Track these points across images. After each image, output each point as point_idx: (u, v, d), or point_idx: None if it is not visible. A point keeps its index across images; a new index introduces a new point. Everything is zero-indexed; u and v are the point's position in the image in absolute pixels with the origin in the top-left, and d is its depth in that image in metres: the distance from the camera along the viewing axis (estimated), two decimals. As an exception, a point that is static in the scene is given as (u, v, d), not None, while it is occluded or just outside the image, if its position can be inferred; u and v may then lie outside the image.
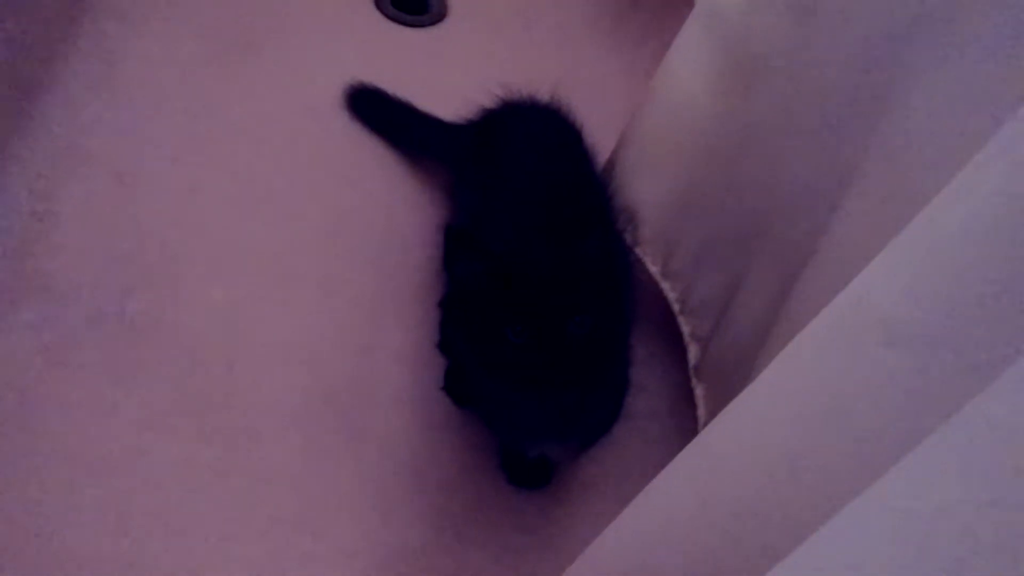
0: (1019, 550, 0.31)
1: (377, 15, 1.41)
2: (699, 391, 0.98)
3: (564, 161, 0.95)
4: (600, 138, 1.20)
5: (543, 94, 1.04)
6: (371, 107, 1.25)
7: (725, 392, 0.94)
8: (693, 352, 1.00)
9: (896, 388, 0.43)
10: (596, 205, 0.92)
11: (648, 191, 1.02)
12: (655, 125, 1.02)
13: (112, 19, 1.26)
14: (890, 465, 0.39)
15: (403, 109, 1.21)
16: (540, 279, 0.72)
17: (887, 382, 0.43)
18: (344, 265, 1.12)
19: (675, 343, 1.04)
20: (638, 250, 1.04)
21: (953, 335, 0.40)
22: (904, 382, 0.42)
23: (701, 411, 0.97)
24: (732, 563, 0.54)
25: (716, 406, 0.95)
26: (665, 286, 1.03)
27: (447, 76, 1.31)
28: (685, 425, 1.01)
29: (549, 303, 0.71)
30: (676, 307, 1.02)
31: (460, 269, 0.75)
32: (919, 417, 0.41)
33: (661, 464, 0.66)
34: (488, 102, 1.07)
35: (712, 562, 0.56)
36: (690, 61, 0.97)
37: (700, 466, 0.58)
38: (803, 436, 0.48)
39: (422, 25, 1.42)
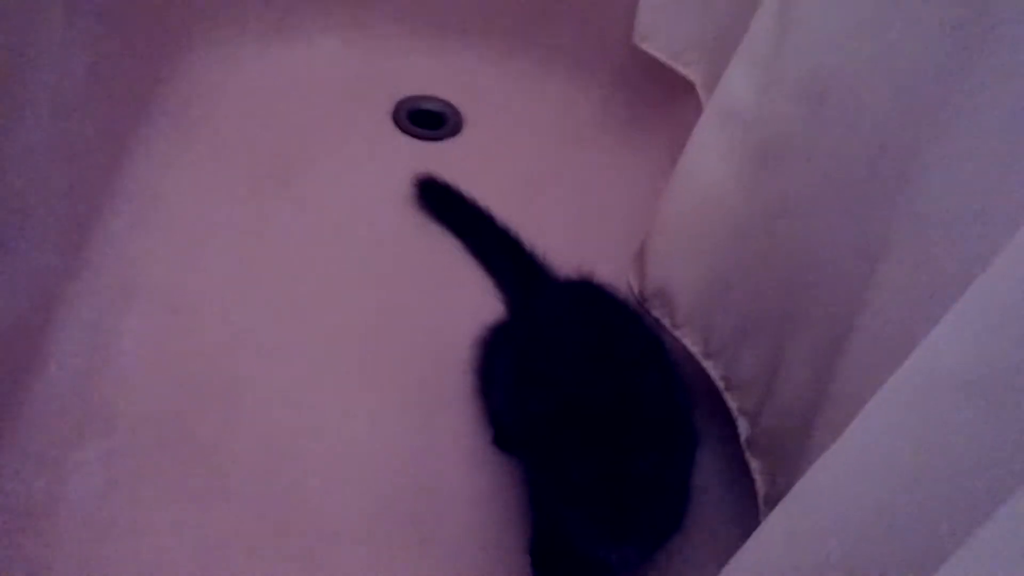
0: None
1: (396, 132, 1.49)
2: (754, 465, 1.00)
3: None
4: (624, 230, 1.27)
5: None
6: (442, 202, 1.33)
7: (781, 463, 0.96)
8: (743, 426, 1.03)
9: (976, 444, 0.46)
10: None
11: (681, 276, 1.07)
12: (681, 214, 1.07)
13: (152, 160, 1.33)
14: (980, 520, 0.42)
15: (478, 215, 1.29)
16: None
17: (967, 439, 0.46)
18: (395, 373, 1.16)
19: (725, 421, 1.07)
20: (677, 333, 1.08)
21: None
22: (983, 438, 0.46)
23: (759, 484, 0.99)
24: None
25: (773, 478, 0.98)
26: (708, 365, 1.06)
27: (468, 185, 1.37)
28: (744, 501, 1.03)
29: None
30: (721, 384, 1.05)
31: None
32: (1003, 470, 0.44)
33: (724, 543, 0.69)
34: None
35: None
36: (708, 155, 1.03)
37: (788, 531, 0.61)
38: (890, 498, 0.51)
39: (440, 139, 1.49)
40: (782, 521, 0.62)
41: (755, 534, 0.65)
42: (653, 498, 0.84)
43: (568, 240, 1.23)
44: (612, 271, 1.10)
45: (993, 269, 0.48)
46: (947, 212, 0.72)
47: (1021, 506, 0.40)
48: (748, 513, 1.01)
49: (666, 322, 1.09)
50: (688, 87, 1.33)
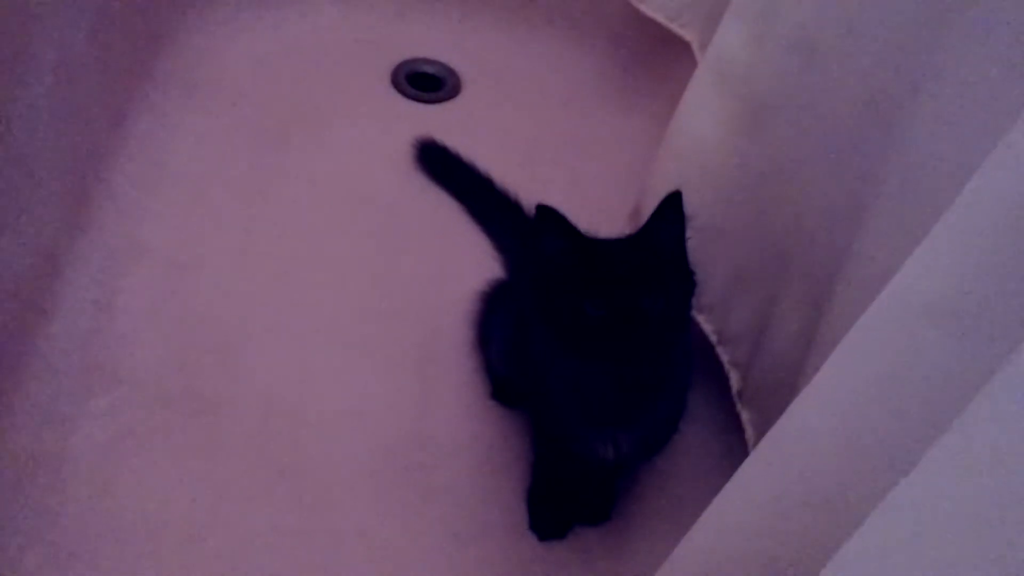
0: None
1: (396, 95, 1.50)
2: (745, 415, 1.03)
3: None
4: (620, 190, 1.28)
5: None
6: (442, 165, 1.34)
7: (771, 414, 0.98)
8: (735, 379, 1.05)
9: (943, 363, 0.48)
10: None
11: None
12: (674, 170, 1.09)
13: (154, 120, 1.35)
14: (938, 436, 0.44)
15: (477, 177, 1.30)
16: (619, 259, 0.81)
17: (935, 360, 0.49)
18: (394, 330, 1.19)
19: (717, 373, 1.09)
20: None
21: (991, 311, 0.46)
22: (950, 357, 0.48)
23: (749, 434, 1.01)
24: (805, 550, 0.58)
25: (763, 428, 1.00)
26: (701, 319, 1.08)
27: (466, 147, 1.38)
28: (735, 450, 1.05)
29: (627, 281, 0.79)
30: (713, 338, 1.07)
31: (547, 244, 0.83)
32: (965, 386, 0.46)
33: (716, 491, 0.71)
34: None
35: (787, 552, 0.60)
36: (703, 108, 1.04)
37: (772, 461, 0.63)
38: (865, 420, 0.53)
39: (438, 101, 1.50)
40: (761, 455, 0.64)
41: (736, 474, 0.67)
42: (645, 391, 0.87)
43: (565, 200, 1.22)
44: (609, 230, 1.12)
45: (961, 203, 0.50)
46: (932, 162, 0.73)
47: (972, 416, 0.42)
48: (740, 463, 1.03)
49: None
50: (685, 48, 1.34)
